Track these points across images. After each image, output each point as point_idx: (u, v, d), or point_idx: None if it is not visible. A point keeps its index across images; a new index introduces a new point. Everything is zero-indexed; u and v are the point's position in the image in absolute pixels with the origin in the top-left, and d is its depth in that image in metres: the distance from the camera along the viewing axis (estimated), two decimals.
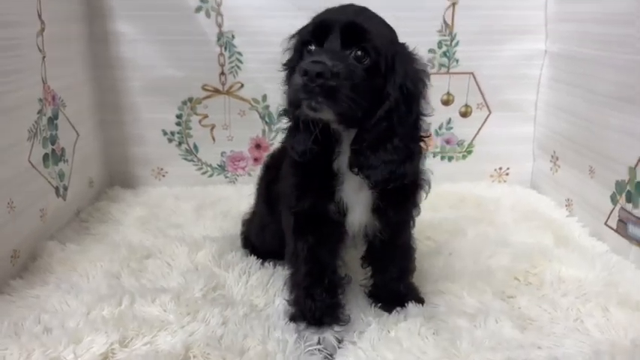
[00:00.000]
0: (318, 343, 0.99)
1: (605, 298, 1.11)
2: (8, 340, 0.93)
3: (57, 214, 1.42)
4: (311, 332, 1.00)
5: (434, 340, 0.98)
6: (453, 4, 1.67)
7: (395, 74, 0.90)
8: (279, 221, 1.10)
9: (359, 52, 0.88)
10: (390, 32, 0.97)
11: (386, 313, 1.07)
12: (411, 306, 1.08)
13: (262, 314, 1.08)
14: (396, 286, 1.12)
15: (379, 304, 1.11)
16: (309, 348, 0.97)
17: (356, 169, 0.92)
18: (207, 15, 1.66)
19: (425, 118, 0.94)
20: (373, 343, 0.98)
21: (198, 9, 1.65)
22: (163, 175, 1.84)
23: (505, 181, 1.86)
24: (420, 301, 1.12)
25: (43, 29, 1.33)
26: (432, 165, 1.81)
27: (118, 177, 1.83)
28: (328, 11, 0.95)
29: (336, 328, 1.01)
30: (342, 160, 0.95)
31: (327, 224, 1.01)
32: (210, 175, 1.84)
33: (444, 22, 1.68)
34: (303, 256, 1.02)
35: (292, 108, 0.88)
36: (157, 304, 1.07)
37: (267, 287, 1.18)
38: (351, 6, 0.96)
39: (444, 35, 1.70)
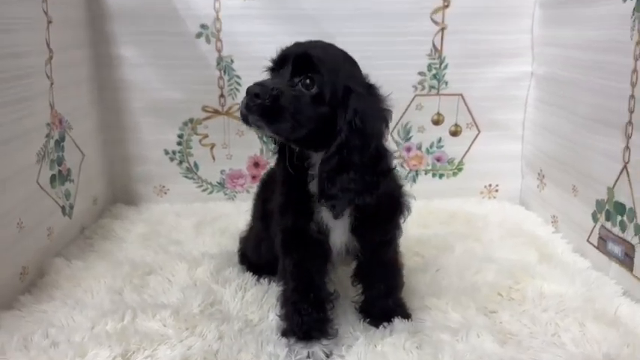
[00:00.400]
0: (308, 357, 1.04)
1: (582, 313, 1.16)
2: (18, 354, 1.00)
3: (63, 232, 1.49)
4: (300, 346, 1.06)
5: (417, 354, 1.04)
6: (442, 30, 1.74)
7: (346, 110, 0.95)
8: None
9: (307, 81, 0.96)
10: (350, 67, 1.03)
11: (373, 328, 1.13)
12: (397, 321, 1.13)
13: (256, 329, 1.14)
14: (384, 302, 1.18)
15: (368, 320, 1.17)
16: None
17: (322, 200, 0.97)
18: (208, 40, 1.74)
19: (388, 152, 0.99)
20: (360, 356, 1.03)
21: (199, 35, 1.73)
22: (165, 193, 1.91)
23: (495, 198, 1.93)
24: (407, 316, 1.17)
25: (51, 57, 1.41)
26: (424, 182, 1.91)
27: (122, 195, 1.90)
28: (294, 44, 1.05)
29: (324, 341, 1.07)
30: (315, 183, 1.01)
31: (310, 242, 1.07)
32: (210, 192, 1.91)
33: (434, 46, 1.76)
34: (290, 271, 1.09)
35: (244, 123, 0.96)
36: (157, 319, 1.13)
37: (262, 303, 1.24)
38: (316, 41, 1.06)
39: (434, 59, 1.77)
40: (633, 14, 1.23)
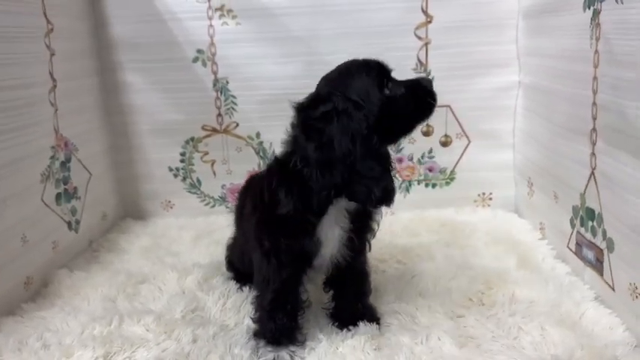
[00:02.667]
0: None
1: (546, 317, 1.19)
2: (11, 355, 1.11)
3: (69, 245, 1.62)
4: (268, 350, 1.12)
5: (375, 355, 1.09)
6: (426, 44, 1.80)
7: None
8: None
9: None
10: None
11: (338, 331, 1.19)
12: (362, 324, 1.19)
13: (230, 333, 1.21)
14: (354, 306, 1.23)
15: (337, 324, 1.22)
16: None
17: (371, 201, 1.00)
18: (204, 64, 1.86)
19: None
20: (320, 358, 1.10)
21: (195, 59, 1.85)
22: (171, 207, 2.03)
23: (489, 206, 1.95)
24: (376, 320, 1.22)
25: (55, 86, 1.55)
26: (418, 192, 1.96)
27: (131, 210, 2.03)
28: None
29: (292, 347, 1.13)
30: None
31: (301, 258, 1.12)
32: (213, 206, 2.02)
33: (418, 60, 1.81)
34: (274, 288, 1.12)
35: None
36: (141, 325, 1.22)
37: (240, 309, 1.31)
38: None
39: (420, 72, 1.82)
40: (591, 23, 1.26)
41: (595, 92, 1.25)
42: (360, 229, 1.14)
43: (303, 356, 1.12)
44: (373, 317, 1.23)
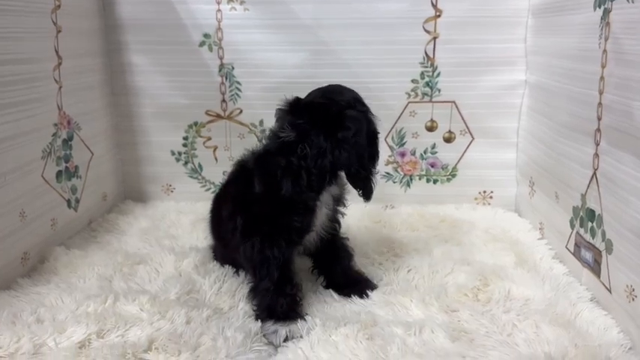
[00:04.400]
0: (286, 336, 1.14)
1: (541, 315, 1.18)
2: (4, 327, 1.11)
3: (68, 223, 1.62)
4: (278, 326, 1.15)
5: (366, 344, 1.09)
6: (434, 38, 1.79)
7: None
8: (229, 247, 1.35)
9: None
10: None
11: (331, 319, 1.18)
12: (354, 314, 1.21)
13: (224, 317, 1.22)
14: (347, 272, 1.36)
15: (335, 290, 1.32)
16: (256, 347, 1.10)
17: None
18: (210, 49, 1.85)
19: None
20: (312, 344, 1.10)
21: (202, 43, 1.85)
22: (172, 191, 2.03)
23: (489, 204, 1.94)
24: (374, 287, 1.34)
25: (60, 63, 1.55)
26: (418, 187, 1.95)
27: (132, 192, 2.03)
28: None
29: (300, 321, 1.17)
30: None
31: (297, 235, 1.24)
32: (213, 192, 2.01)
33: (426, 54, 1.80)
34: (277, 266, 1.20)
35: None
36: (135, 304, 1.23)
37: (235, 293, 1.32)
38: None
39: (426, 67, 1.82)
40: (601, 22, 1.25)
41: (601, 92, 1.24)
42: (336, 209, 1.32)
43: (313, 327, 1.15)
44: (372, 284, 1.35)
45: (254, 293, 1.23)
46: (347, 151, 1.15)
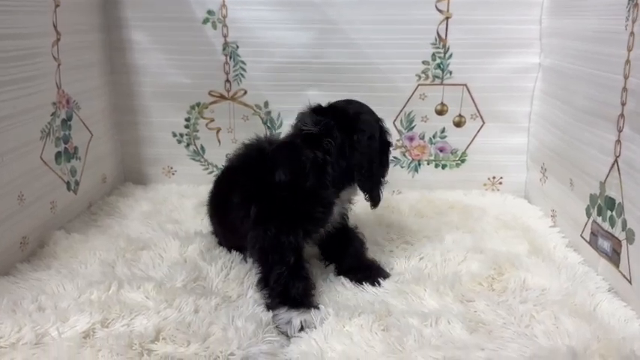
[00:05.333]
0: (301, 326, 1.10)
1: (560, 306, 1.15)
2: (4, 315, 1.06)
3: (68, 207, 1.56)
4: (292, 314, 1.12)
5: (382, 335, 1.05)
6: (447, 19, 1.73)
7: None
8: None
9: None
10: None
11: (344, 310, 1.15)
12: (367, 304, 1.18)
13: (232, 305, 1.17)
14: (362, 258, 1.35)
15: (346, 275, 1.30)
16: (268, 337, 1.06)
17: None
18: (214, 26, 1.78)
19: None
20: (326, 335, 1.06)
21: (206, 20, 1.77)
22: (173, 174, 1.97)
23: (498, 190, 1.90)
24: (387, 275, 1.31)
25: (58, 39, 1.48)
26: (426, 172, 1.91)
27: (132, 174, 1.97)
28: None
29: (313, 310, 1.14)
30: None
31: (313, 227, 1.27)
32: (216, 175, 1.95)
33: (438, 35, 1.74)
34: (291, 249, 1.19)
35: None
36: (140, 291, 1.18)
37: (243, 280, 1.28)
38: None
39: (438, 48, 1.76)
40: (628, 4, 1.19)
41: (626, 77, 1.20)
42: (345, 207, 1.35)
43: (326, 317, 1.12)
44: (384, 272, 1.33)
45: (265, 282, 1.20)
46: (360, 152, 1.19)
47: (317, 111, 1.22)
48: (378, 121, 1.26)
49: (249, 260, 1.34)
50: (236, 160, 1.39)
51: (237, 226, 1.28)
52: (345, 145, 1.18)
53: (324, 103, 1.25)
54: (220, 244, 1.45)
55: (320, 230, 1.29)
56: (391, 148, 1.30)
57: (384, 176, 1.28)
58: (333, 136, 1.18)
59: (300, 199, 1.20)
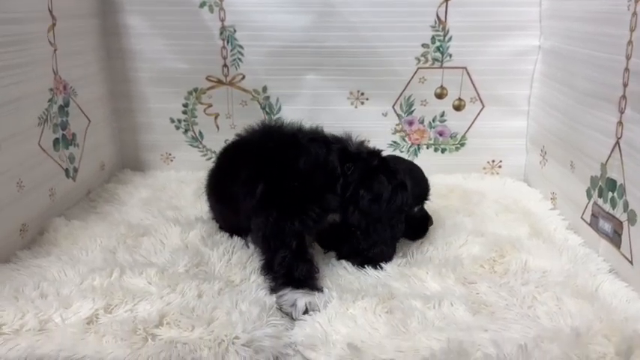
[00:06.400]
0: (306, 308, 1.09)
1: (562, 288, 1.15)
2: (6, 303, 1.05)
3: (67, 194, 1.55)
4: (297, 295, 1.11)
5: (386, 318, 1.05)
6: (446, 1, 1.71)
7: None
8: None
9: None
10: None
11: (347, 293, 1.15)
12: (370, 287, 1.18)
13: (236, 289, 1.17)
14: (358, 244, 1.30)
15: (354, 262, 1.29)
16: (273, 321, 1.06)
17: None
18: (211, 10, 1.76)
19: None
20: (330, 318, 1.06)
21: (202, 4, 1.75)
22: (171, 160, 1.96)
23: (498, 174, 1.91)
24: (387, 257, 1.29)
25: (54, 24, 1.46)
26: (426, 156, 1.91)
27: (130, 161, 1.96)
28: None
29: (318, 292, 1.14)
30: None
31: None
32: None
33: (437, 17, 1.73)
34: (293, 233, 1.20)
35: None
36: (143, 277, 1.18)
37: (246, 265, 1.27)
38: None
39: (437, 31, 1.74)
40: None
41: (629, 57, 1.19)
42: None
43: (330, 300, 1.11)
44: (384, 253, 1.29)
45: (269, 266, 1.20)
46: (357, 209, 1.23)
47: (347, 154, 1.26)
48: (398, 186, 1.25)
49: (251, 246, 1.34)
50: (250, 137, 1.37)
51: (239, 202, 1.28)
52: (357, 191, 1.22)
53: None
54: (221, 228, 1.44)
55: (314, 228, 1.27)
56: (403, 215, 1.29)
57: (388, 238, 1.27)
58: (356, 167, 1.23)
59: (310, 192, 1.21)
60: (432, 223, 1.41)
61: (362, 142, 1.31)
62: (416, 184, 1.33)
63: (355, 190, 1.23)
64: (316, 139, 1.28)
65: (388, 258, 1.28)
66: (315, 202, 1.22)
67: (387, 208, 1.23)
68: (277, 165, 1.24)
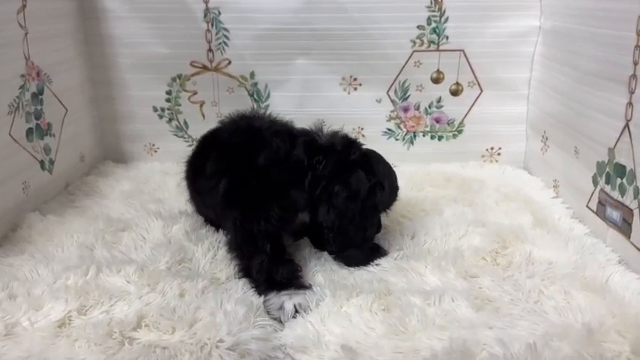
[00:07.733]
0: (295, 310, 1.02)
1: (570, 280, 1.08)
2: None
3: (42, 187, 1.46)
4: (283, 297, 1.04)
5: (383, 316, 0.98)
6: None
7: None
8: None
9: None
10: None
11: (341, 290, 1.07)
12: (365, 282, 1.10)
13: (221, 287, 1.09)
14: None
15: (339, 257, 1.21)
16: (260, 321, 0.98)
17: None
18: None
19: None
20: (323, 317, 0.98)
21: None
22: (155, 151, 1.87)
23: (497, 162, 1.83)
24: (384, 253, 1.22)
25: (24, 5, 1.36)
26: (422, 144, 1.83)
27: (111, 152, 1.87)
28: None
29: (305, 291, 1.06)
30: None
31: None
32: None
33: None
34: (264, 236, 1.11)
35: None
36: (121, 275, 1.10)
37: (232, 261, 1.19)
38: None
39: (434, 11, 1.66)
40: None
41: (639, 34, 1.11)
42: None
43: (322, 299, 1.04)
44: (378, 249, 1.23)
45: (246, 272, 1.12)
46: (331, 207, 1.13)
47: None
48: (375, 184, 1.17)
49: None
50: (220, 128, 1.32)
51: (205, 196, 1.23)
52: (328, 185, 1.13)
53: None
54: (206, 221, 1.37)
55: (284, 228, 1.19)
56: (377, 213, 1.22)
57: (360, 240, 1.17)
58: (327, 162, 1.14)
59: (269, 191, 1.13)
60: (379, 231, 1.29)
61: (336, 133, 1.21)
62: (392, 191, 1.25)
63: (327, 186, 1.14)
64: (280, 131, 1.19)
65: (360, 263, 1.18)
66: (278, 200, 1.13)
67: (363, 206, 1.14)
68: (239, 160, 1.16)
